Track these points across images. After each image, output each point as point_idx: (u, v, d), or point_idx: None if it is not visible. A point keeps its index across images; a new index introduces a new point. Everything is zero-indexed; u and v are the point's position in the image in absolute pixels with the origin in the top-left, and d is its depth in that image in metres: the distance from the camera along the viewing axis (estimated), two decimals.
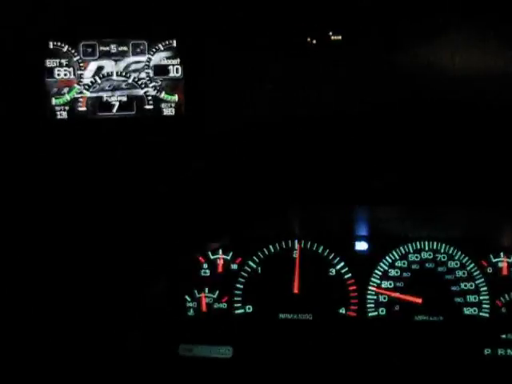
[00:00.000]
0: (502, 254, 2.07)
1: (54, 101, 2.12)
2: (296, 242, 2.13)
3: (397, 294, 2.08)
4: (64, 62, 2.11)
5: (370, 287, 2.10)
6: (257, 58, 2.11)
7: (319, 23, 2.12)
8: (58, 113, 2.13)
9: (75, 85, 2.12)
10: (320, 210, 2.08)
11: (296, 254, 2.12)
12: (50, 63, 2.11)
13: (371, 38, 2.05)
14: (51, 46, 2.10)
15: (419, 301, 2.06)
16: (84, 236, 2.02)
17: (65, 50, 2.10)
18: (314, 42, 2.12)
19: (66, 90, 2.12)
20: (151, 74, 2.13)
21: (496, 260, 2.07)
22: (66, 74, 2.12)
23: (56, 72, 2.12)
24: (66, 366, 1.89)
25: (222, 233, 2.15)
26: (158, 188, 2.06)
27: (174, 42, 2.12)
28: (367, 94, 2.08)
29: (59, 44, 2.10)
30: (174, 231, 2.07)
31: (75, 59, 2.11)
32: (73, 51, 2.10)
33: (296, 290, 2.09)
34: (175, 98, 2.13)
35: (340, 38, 2.11)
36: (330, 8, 2.08)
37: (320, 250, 2.12)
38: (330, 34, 2.11)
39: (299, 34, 2.12)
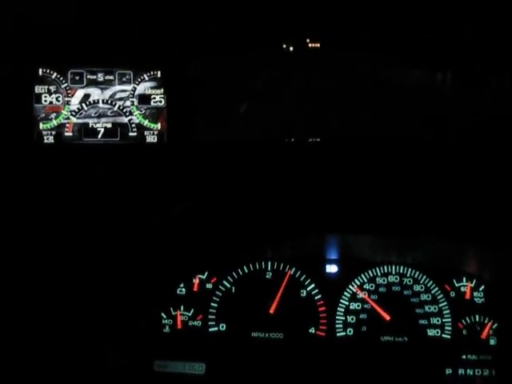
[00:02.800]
0: (464, 279, 2.17)
1: (41, 125, 2.22)
2: (269, 263, 2.21)
3: (371, 303, 2.18)
4: (52, 88, 2.21)
5: (338, 308, 2.18)
6: (238, 87, 2.22)
7: (297, 31, 2.21)
8: (45, 137, 2.22)
9: (62, 111, 2.22)
10: (293, 234, 2.18)
11: (269, 276, 2.21)
12: (38, 89, 2.21)
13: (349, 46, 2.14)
14: (40, 73, 2.20)
15: (387, 317, 2.15)
16: (63, 257, 2.07)
17: (53, 76, 2.20)
18: (292, 49, 2.22)
19: (53, 115, 2.22)
20: (136, 103, 2.23)
21: (459, 285, 2.17)
22: (53, 101, 2.22)
23: (44, 98, 2.22)
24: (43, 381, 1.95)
25: (198, 254, 2.22)
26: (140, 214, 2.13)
27: (159, 72, 2.23)
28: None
29: (48, 71, 2.20)
30: (151, 257, 2.14)
31: (63, 86, 2.22)
32: (61, 78, 2.21)
33: (269, 310, 2.17)
34: (158, 126, 2.24)
35: (318, 45, 2.20)
36: (308, 15, 2.16)
37: (292, 272, 2.20)
38: (308, 41, 2.21)
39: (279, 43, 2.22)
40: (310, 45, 2.21)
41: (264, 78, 2.29)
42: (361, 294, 2.18)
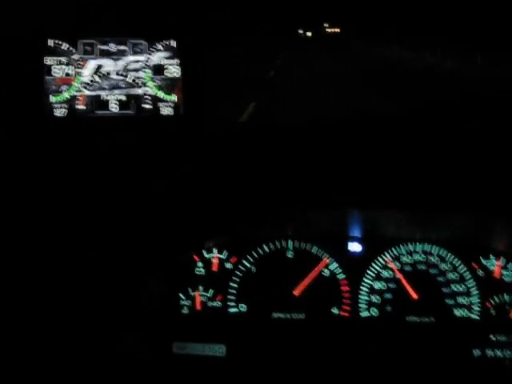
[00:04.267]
0: (492, 256, 2.09)
1: (52, 98, 2.13)
2: (291, 242, 2.14)
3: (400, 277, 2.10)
4: (63, 59, 2.12)
5: (362, 288, 2.12)
6: (256, 57, 2.13)
7: (315, 16, 2.12)
8: (56, 110, 2.13)
9: (73, 83, 2.13)
10: (315, 211, 2.11)
11: (290, 254, 2.14)
12: (48, 61, 2.12)
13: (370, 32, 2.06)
14: (51, 44, 2.11)
15: (415, 296, 2.09)
16: (79, 235, 2.02)
17: (64, 47, 2.11)
18: (309, 34, 2.13)
19: (64, 87, 2.13)
20: (150, 74, 2.14)
21: (487, 263, 2.09)
22: (64, 73, 2.13)
23: (55, 70, 2.13)
24: (60, 367, 1.89)
25: (218, 231, 2.16)
26: (154, 186, 2.07)
27: (174, 42, 2.13)
28: (367, 92, 2.11)
29: (58, 42, 2.11)
30: (170, 230, 2.08)
31: (74, 57, 2.12)
32: (72, 49, 2.11)
33: (291, 290, 2.10)
34: (174, 97, 2.15)
35: (338, 30, 2.10)
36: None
37: (314, 251, 2.13)
38: (326, 26, 2.12)
39: (295, 28, 2.13)
40: (327, 30, 2.11)
41: (280, 60, 2.20)
42: (391, 265, 2.10)
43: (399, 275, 2.10)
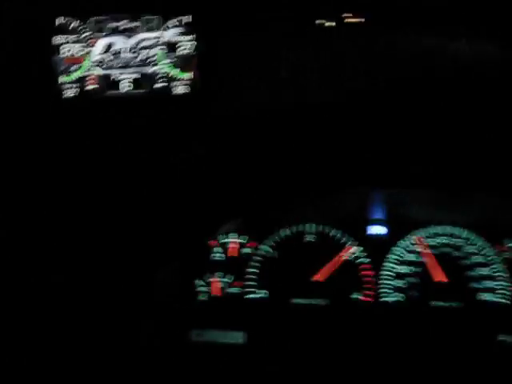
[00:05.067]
0: None
1: (61, 79, 2.06)
2: (311, 225, 2.08)
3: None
4: (72, 38, 2.04)
5: (386, 272, 2.06)
6: (272, 38, 2.06)
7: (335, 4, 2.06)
8: (66, 91, 2.06)
9: (84, 62, 2.06)
10: (335, 193, 2.05)
11: (311, 239, 2.08)
12: (57, 40, 2.04)
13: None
14: (59, 22, 2.03)
15: (442, 279, 2.04)
16: (93, 222, 1.97)
17: (73, 25, 2.03)
18: (330, 23, 2.07)
19: (74, 67, 2.06)
20: (164, 51, 2.06)
21: None
22: (74, 51, 2.06)
23: (64, 49, 2.05)
24: (79, 356, 1.86)
25: (235, 215, 2.11)
26: (168, 168, 2.02)
27: (188, 17, 2.05)
28: (383, 75, 2.04)
29: (67, 20, 2.03)
30: (184, 215, 2.03)
31: (84, 35, 2.05)
32: (82, 27, 2.04)
33: (312, 275, 2.05)
34: (189, 75, 2.07)
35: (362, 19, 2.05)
36: None
37: (335, 234, 2.08)
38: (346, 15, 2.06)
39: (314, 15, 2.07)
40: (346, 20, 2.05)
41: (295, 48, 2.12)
42: (419, 247, 2.04)
43: (425, 257, 2.04)
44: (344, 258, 2.08)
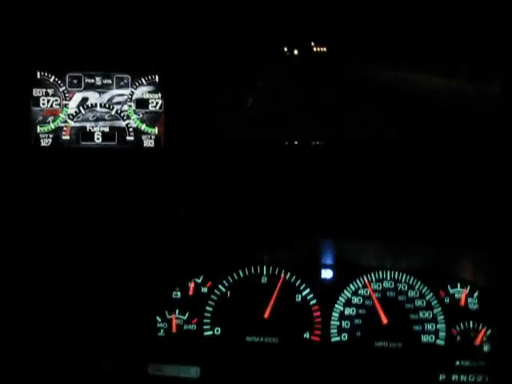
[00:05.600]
0: (459, 285, 2.17)
1: (38, 129, 2.22)
2: (264, 267, 2.22)
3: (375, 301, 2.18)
4: (50, 91, 2.22)
5: (333, 313, 2.19)
6: (236, 89, 2.22)
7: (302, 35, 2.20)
8: (43, 140, 2.22)
9: (60, 114, 2.23)
10: (289, 239, 2.19)
11: (265, 280, 2.21)
12: (36, 92, 2.22)
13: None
14: (38, 76, 2.21)
15: (385, 321, 2.16)
16: (59, 260, 2.09)
17: (51, 80, 2.21)
18: (296, 53, 2.20)
19: (50, 118, 2.23)
20: (133, 107, 2.24)
21: (453, 291, 2.17)
22: (51, 104, 2.23)
23: (42, 101, 2.22)
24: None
25: (195, 257, 2.23)
26: (135, 219, 2.14)
27: (157, 76, 2.23)
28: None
29: (46, 74, 2.21)
30: (149, 256, 2.16)
31: (61, 89, 2.22)
32: (59, 82, 2.21)
33: (264, 315, 2.17)
34: (155, 130, 2.25)
35: (325, 49, 2.18)
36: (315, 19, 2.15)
37: (288, 277, 2.21)
38: (313, 45, 2.19)
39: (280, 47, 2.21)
40: (315, 49, 2.20)
41: (265, 80, 2.29)
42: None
43: (374, 301, 2.18)
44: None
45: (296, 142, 2.33)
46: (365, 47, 2.18)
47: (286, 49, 2.22)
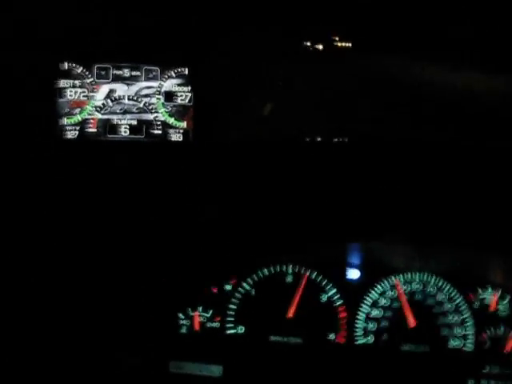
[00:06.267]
0: (489, 289, 2.12)
1: (64, 120, 2.20)
2: (290, 266, 2.18)
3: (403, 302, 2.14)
4: (77, 83, 2.20)
5: (359, 315, 2.15)
6: (263, 86, 2.19)
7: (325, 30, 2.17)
8: (68, 132, 2.20)
9: (87, 106, 2.21)
10: (315, 240, 2.16)
11: (290, 279, 2.18)
12: (62, 83, 2.20)
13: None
14: (65, 67, 2.18)
15: (412, 324, 2.12)
16: (82, 252, 2.10)
17: (79, 71, 2.19)
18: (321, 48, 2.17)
19: (77, 110, 2.21)
20: (162, 100, 2.21)
21: (483, 295, 2.12)
22: (77, 96, 2.21)
23: (68, 92, 2.20)
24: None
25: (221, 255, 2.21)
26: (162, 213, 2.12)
27: (186, 69, 2.20)
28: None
29: (73, 65, 2.18)
30: (174, 253, 2.14)
31: (88, 81, 2.20)
32: (86, 73, 2.19)
33: (289, 314, 2.14)
34: (183, 124, 2.21)
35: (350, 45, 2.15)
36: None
37: (313, 277, 2.17)
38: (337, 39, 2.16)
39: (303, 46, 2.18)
40: (338, 44, 2.16)
41: (289, 76, 2.25)
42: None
43: (401, 302, 2.13)
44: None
45: (322, 140, 2.29)
46: (387, 42, 2.13)
47: (308, 43, 2.18)
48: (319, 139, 2.20)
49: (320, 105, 2.25)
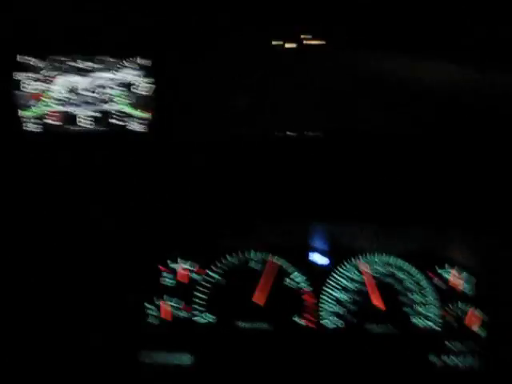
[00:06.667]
0: (447, 266, 2.19)
1: (21, 112, 2.15)
2: (255, 253, 2.20)
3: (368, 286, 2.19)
4: (32, 75, 2.14)
5: (324, 298, 2.19)
6: (229, 77, 2.18)
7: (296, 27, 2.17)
8: (26, 125, 2.15)
9: (43, 98, 2.16)
10: (281, 223, 2.18)
11: (255, 265, 2.20)
12: (18, 76, 2.14)
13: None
14: (20, 60, 2.13)
15: (381, 305, 2.17)
16: (50, 243, 2.10)
17: (33, 63, 2.13)
18: (292, 46, 2.17)
19: (33, 102, 2.16)
20: (121, 91, 2.18)
21: (442, 271, 2.19)
22: (34, 88, 2.16)
23: (24, 85, 2.15)
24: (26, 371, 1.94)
25: (184, 243, 2.21)
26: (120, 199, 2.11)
27: (146, 60, 2.16)
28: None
29: (28, 57, 2.13)
30: (137, 241, 2.15)
31: (44, 73, 2.15)
32: (41, 65, 2.14)
33: (256, 300, 2.16)
34: (143, 114, 2.19)
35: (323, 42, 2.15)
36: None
37: (276, 261, 2.20)
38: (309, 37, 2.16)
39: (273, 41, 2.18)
40: (305, 42, 2.16)
41: (255, 72, 2.24)
42: (358, 274, 2.19)
43: (365, 284, 2.18)
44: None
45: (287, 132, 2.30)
46: (367, 38, 2.15)
47: (278, 42, 2.18)
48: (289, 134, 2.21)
49: (289, 100, 2.25)
